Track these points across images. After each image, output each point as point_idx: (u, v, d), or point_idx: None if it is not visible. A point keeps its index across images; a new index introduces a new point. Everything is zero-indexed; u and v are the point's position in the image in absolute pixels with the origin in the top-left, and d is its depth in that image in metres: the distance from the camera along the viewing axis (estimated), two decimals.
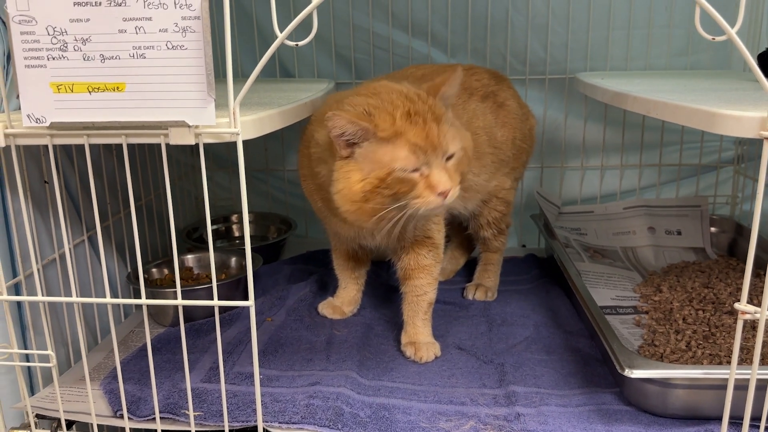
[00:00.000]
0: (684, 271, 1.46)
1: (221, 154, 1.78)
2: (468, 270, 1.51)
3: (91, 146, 1.25)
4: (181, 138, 0.79)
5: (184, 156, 1.72)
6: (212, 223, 1.73)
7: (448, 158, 0.99)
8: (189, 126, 0.78)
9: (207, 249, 1.57)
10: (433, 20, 1.61)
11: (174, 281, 1.31)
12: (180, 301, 0.87)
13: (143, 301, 0.89)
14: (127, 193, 0.82)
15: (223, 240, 1.72)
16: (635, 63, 1.61)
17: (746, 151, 1.66)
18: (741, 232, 1.56)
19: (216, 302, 0.87)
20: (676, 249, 1.58)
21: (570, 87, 1.61)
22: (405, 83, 1.04)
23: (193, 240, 1.60)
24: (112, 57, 0.77)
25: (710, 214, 1.61)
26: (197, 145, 0.79)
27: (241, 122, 0.79)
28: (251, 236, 1.73)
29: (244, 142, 0.79)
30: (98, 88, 0.78)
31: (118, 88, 0.78)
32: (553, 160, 1.69)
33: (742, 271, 0.86)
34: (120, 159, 0.91)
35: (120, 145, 0.81)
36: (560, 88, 1.63)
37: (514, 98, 1.38)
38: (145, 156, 1.44)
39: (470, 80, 1.31)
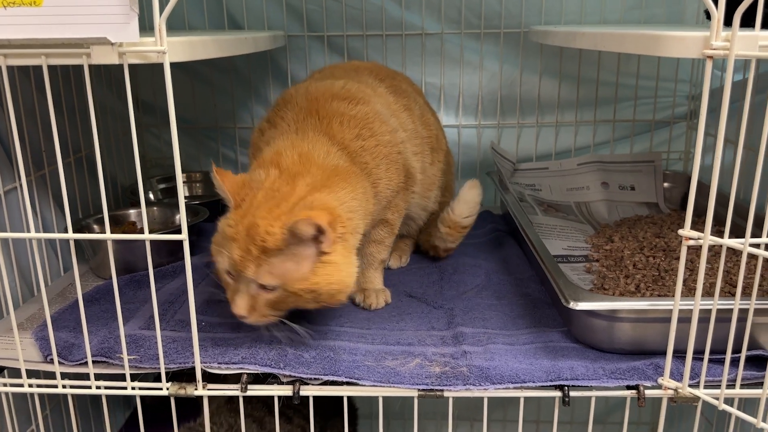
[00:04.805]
0: (636, 223, 1.46)
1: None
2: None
3: (25, 91, 1.21)
4: (104, 57, 0.74)
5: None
6: (161, 182, 1.68)
7: (269, 288, 0.90)
8: (112, 44, 0.73)
9: (150, 204, 1.52)
10: None
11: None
12: (109, 236, 0.83)
13: (70, 235, 0.84)
14: (65, 141, 0.78)
15: (172, 198, 1.67)
16: (590, 17, 1.60)
17: (698, 106, 1.66)
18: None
19: (147, 236, 0.83)
20: (630, 204, 1.58)
21: (525, 41, 1.60)
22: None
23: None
24: None
25: (663, 170, 1.61)
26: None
27: (170, 43, 0.75)
28: (199, 195, 1.69)
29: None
30: (13, 3, 0.73)
31: (35, 2, 0.73)
32: (510, 116, 1.68)
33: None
34: (57, 105, 0.86)
35: (53, 86, 0.76)
36: (515, 42, 1.62)
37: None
38: (86, 107, 1.38)
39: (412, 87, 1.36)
